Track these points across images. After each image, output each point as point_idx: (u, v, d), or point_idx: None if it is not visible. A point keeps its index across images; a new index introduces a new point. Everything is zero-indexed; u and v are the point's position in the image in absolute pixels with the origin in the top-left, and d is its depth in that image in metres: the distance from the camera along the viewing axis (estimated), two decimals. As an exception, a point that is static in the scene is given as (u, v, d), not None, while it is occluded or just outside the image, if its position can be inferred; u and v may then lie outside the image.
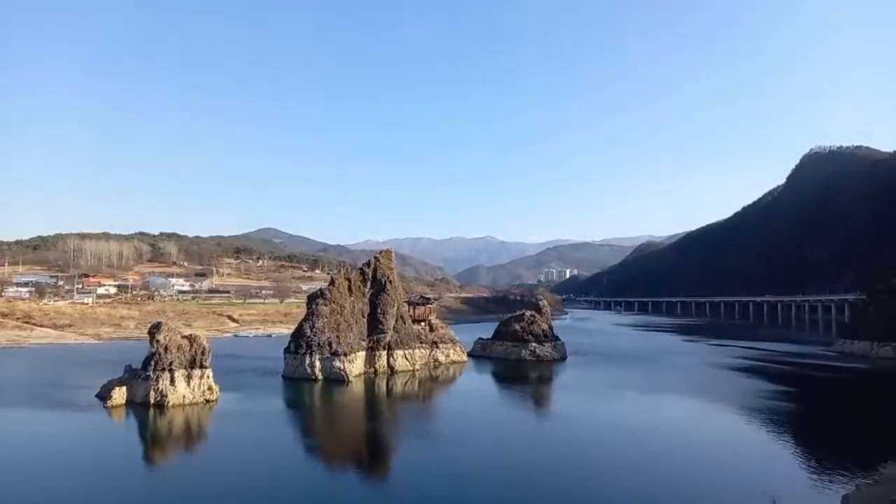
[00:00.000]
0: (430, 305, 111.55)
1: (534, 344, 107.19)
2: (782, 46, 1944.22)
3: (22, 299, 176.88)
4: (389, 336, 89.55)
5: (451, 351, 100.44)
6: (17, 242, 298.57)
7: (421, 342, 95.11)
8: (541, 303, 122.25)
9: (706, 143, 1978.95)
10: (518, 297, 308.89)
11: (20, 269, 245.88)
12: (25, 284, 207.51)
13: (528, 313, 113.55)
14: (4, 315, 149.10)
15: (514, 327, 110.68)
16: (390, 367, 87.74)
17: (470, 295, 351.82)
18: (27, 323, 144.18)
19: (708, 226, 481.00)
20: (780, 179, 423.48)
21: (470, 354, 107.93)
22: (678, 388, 78.82)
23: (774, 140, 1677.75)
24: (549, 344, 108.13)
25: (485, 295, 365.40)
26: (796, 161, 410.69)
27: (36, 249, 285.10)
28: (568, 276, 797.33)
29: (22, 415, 56.82)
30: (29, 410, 58.19)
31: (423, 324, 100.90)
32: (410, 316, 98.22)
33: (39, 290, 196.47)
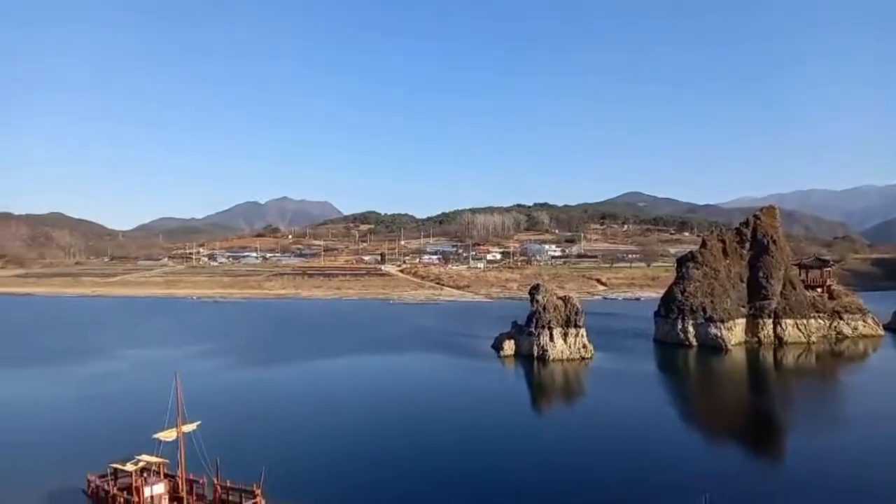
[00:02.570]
0: (827, 269, 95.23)
1: None
2: None
3: (433, 265, 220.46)
4: (775, 303, 79.34)
5: (860, 323, 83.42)
6: (429, 219, 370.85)
7: (817, 311, 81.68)
8: None
9: None
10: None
11: (431, 240, 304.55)
12: (435, 253, 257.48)
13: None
14: (423, 277, 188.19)
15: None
16: (778, 338, 77.83)
17: (885, 256, 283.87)
18: (438, 284, 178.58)
19: None
20: None
21: (887, 328, 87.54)
22: None
23: None
24: None
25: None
26: None
27: (441, 223, 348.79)
28: None
29: (441, 359, 70.49)
30: (445, 356, 71.73)
31: (819, 290, 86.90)
32: (802, 281, 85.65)
33: (445, 257, 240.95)
